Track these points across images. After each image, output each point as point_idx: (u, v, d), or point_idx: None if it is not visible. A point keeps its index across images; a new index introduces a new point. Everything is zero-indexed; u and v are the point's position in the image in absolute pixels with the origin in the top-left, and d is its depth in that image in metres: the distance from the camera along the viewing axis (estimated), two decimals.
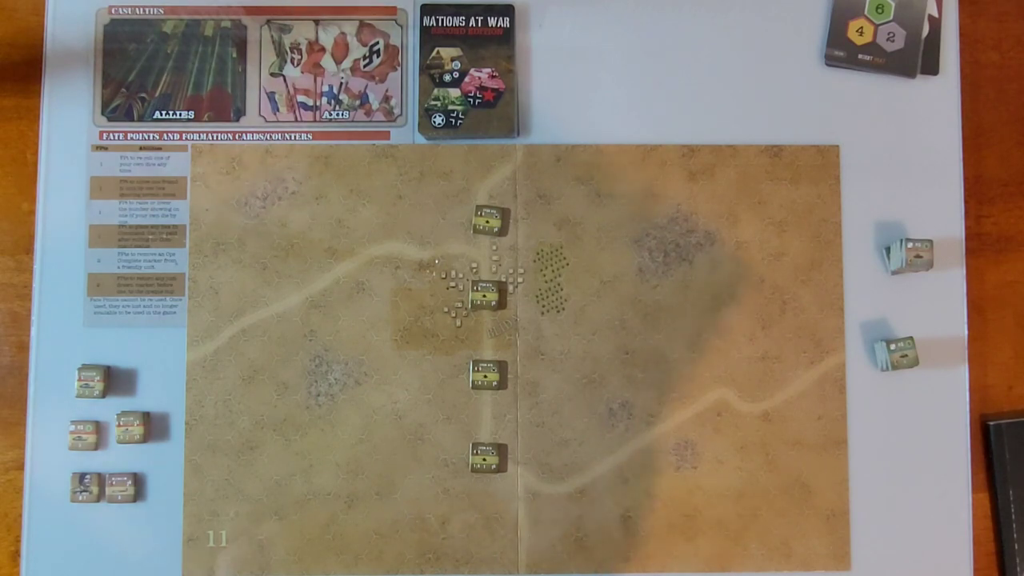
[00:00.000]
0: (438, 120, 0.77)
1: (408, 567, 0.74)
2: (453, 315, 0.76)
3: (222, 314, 0.76)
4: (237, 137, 0.78)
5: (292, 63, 0.79)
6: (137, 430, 0.74)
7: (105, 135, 0.78)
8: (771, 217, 0.77)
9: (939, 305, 0.77)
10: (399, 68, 0.79)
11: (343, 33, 0.79)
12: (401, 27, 0.79)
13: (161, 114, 0.78)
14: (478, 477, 0.75)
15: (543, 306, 0.76)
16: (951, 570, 0.75)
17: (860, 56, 0.78)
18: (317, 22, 0.79)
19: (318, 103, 0.79)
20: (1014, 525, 0.76)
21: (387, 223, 0.77)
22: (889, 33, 0.78)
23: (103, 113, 0.78)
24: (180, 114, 0.78)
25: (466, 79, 0.78)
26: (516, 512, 0.75)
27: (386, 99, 0.79)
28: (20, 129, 0.79)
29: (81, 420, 0.75)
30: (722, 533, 0.75)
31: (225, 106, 0.79)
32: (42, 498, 0.75)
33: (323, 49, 0.79)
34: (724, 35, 0.79)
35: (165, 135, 0.78)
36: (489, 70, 0.78)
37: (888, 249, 0.77)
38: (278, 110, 0.79)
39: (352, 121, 0.78)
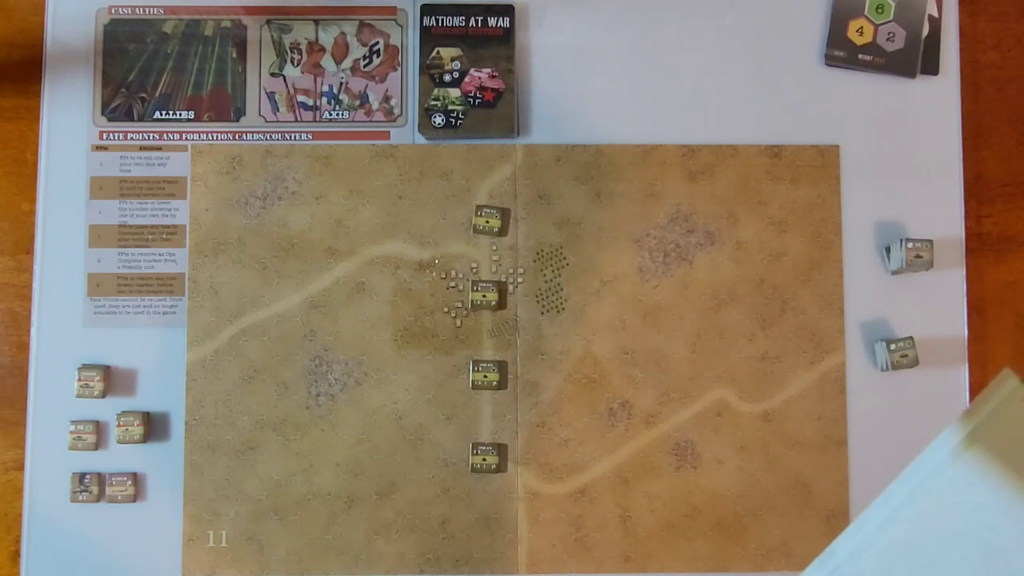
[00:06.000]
0: (438, 120, 0.77)
1: (408, 567, 0.74)
2: (453, 315, 0.76)
3: (222, 314, 0.76)
4: (237, 137, 0.78)
5: (292, 63, 0.79)
6: (137, 430, 0.74)
7: (105, 135, 0.78)
8: (771, 217, 0.77)
9: (939, 305, 0.77)
10: (399, 68, 0.79)
11: (343, 33, 0.79)
12: (401, 27, 0.79)
13: (161, 114, 0.78)
14: (478, 477, 0.75)
15: (543, 306, 0.76)
16: None
17: (860, 56, 0.78)
18: (317, 22, 0.79)
19: (318, 103, 0.79)
20: None
21: (387, 223, 0.77)
22: (889, 33, 0.78)
23: (103, 113, 0.78)
24: (180, 114, 0.78)
25: (466, 79, 0.78)
26: (516, 512, 0.75)
27: (386, 99, 0.79)
28: (20, 129, 0.79)
29: (81, 420, 0.75)
30: (722, 533, 0.75)
31: (225, 106, 0.79)
32: (42, 498, 0.75)
33: (323, 49, 0.79)
34: (724, 35, 0.79)
35: (165, 135, 0.78)
36: (489, 70, 0.78)
37: (888, 249, 0.77)
38: (278, 110, 0.79)
39: (352, 121, 0.78)
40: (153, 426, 0.76)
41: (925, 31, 0.78)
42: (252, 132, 0.78)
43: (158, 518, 0.75)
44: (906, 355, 0.74)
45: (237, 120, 0.78)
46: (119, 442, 0.74)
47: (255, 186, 0.77)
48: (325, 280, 0.76)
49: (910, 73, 0.78)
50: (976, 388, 0.77)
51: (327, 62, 0.79)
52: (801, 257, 0.77)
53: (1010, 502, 0.37)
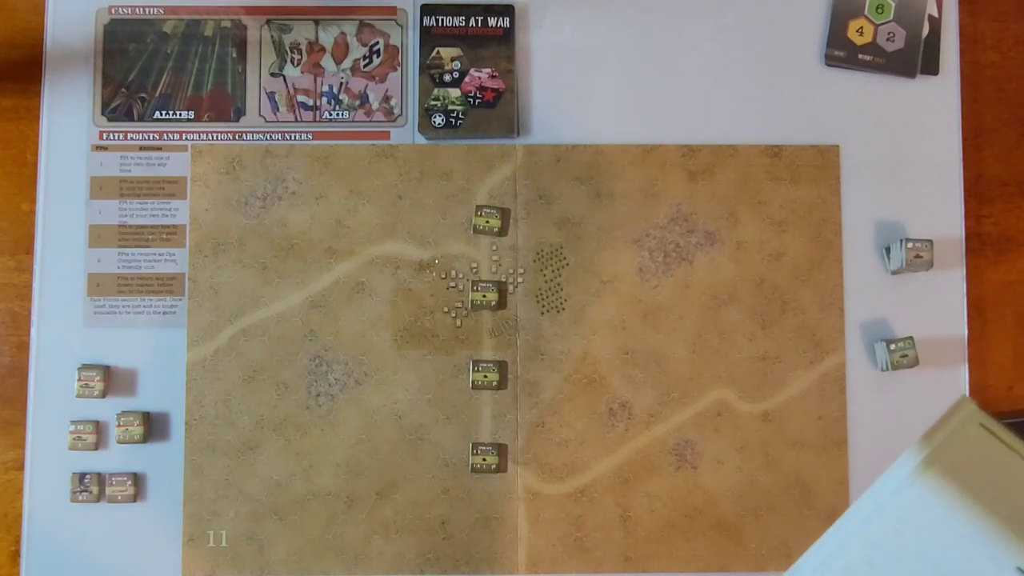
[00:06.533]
0: (438, 120, 0.77)
1: (408, 567, 0.74)
2: (453, 315, 0.76)
3: (222, 314, 0.76)
4: (237, 137, 0.78)
5: (292, 63, 0.79)
6: (137, 430, 0.74)
7: (105, 135, 0.78)
8: (771, 217, 0.77)
9: (939, 305, 0.77)
10: (399, 68, 0.79)
11: (343, 33, 0.79)
12: (401, 27, 0.79)
13: (161, 114, 0.78)
14: (478, 477, 0.75)
15: (543, 306, 0.76)
16: None
17: (860, 56, 0.78)
18: (317, 22, 0.79)
19: (318, 103, 0.79)
20: None
21: (387, 223, 0.77)
22: (889, 33, 0.78)
23: (103, 113, 0.78)
24: (180, 114, 0.78)
25: (466, 79, 0.78)
26: (516, 512, 0.75)
27: (386, 99, 0.79)
28: (20, 129, 0.79)
29: (81, 420, 0.75)
30: (722, 533, 0.75)
31: (225, 106, 0.79)
32: (42, 498, 0.75)
33: (323, 49, 0.79)
34: (724, 35, 0.79)
35: (165, 135, 0.78)
36: (489, 70, 0.78)
37: (888, 249, 0.77)
38: (278, 110, 0.79)
39: (352, 121, 0.78)
40: (153, 426, 0.76)
41: (925, 31, 0.78)
42: (252, 132, 0.78)
43: (158, 518, 0.75)
44: (906, 355, 0.74)
45: (237, 120, 0.78)
46: (119, 442, 0.74)
47: (255, 186, 0.77)
48: (325, 280, 0.76)
49: (910, 73, 0.78)
50: (976, 388, 0.77)
51: (327, 62, 0.79)
52: (801, 257, 0.77)
53: (961, 523, 0.39)
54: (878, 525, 0.41)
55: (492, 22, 0.78)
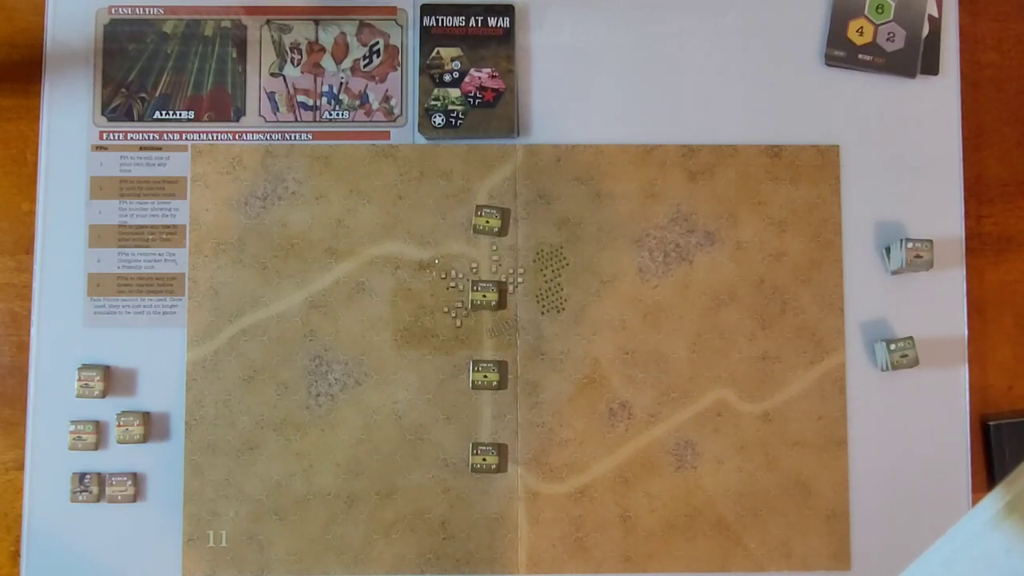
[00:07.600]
0: (438, 120, 0.77)
1: (408, 567, 0.74)
2: (453, 315, 0.76)
3: (222, 314, 0.76)
4: (237, 137, 0.78)
5: (292, 63, 0.79)
6: (137, 430, 0.74)
7: (105, 135, 0.78)
8: (771, 217, 0.77)
9: (939, 305, 0.77)
10: (399, 68, 0.79)
11: (343, 33, 0.79)
12: (401, 27, 0.79)
13: (161, 114, 0.78)
14: (478, 477, 0.75)
15: (543, 306, 0.76)
16: None
17: (860, 56, 0.78)
18: (317, 22, 0.79)
19: (318, 103, 0.79)
20: None
21: (387, 223, 0.77)
22: (889, 33, 0.78)
23: (103, 113, 0.78)
24: (180, 114, 0.78)
25: (466, 79, 0.78)
26: (516, 512, 0.75)
27: (386, 99, 0.79)
28: (20, 129, 0.79)
29: (81, 420, 0.75)
30: (722, 533, 0.75)
31: (225, 106, 0.79)
32: (42, 498, 0.75)
33: (323, 49, 0.79)
34: (724, 35, 0.79)
35: (165, 135, 0.78)
36: (489, 70, 0.78)
37: (888, 249, 0.77)
38: (278, 110, 0.79)
39: (352, 121, 0.78)
40: (153, 426, 0.76)
41: (925, 31, 0.78)
42: (252, 132, 0.78)
43: (158, 518, 0.75)
44: (906, 355, 0.74)
45: (237, 120, 0.78)
46: (119, 442, 0.74)
47: (255, 186, 0.77)
48: (325, 280, 0.76)
49: (910, 73, 0.78)
50: (976, 388, 0.77)
51: (327, 62, 0.79)
52: (801, 257, 0.77)
53: None
54: (958, 571, 0.39)
55: (492, 22, 0.78)
